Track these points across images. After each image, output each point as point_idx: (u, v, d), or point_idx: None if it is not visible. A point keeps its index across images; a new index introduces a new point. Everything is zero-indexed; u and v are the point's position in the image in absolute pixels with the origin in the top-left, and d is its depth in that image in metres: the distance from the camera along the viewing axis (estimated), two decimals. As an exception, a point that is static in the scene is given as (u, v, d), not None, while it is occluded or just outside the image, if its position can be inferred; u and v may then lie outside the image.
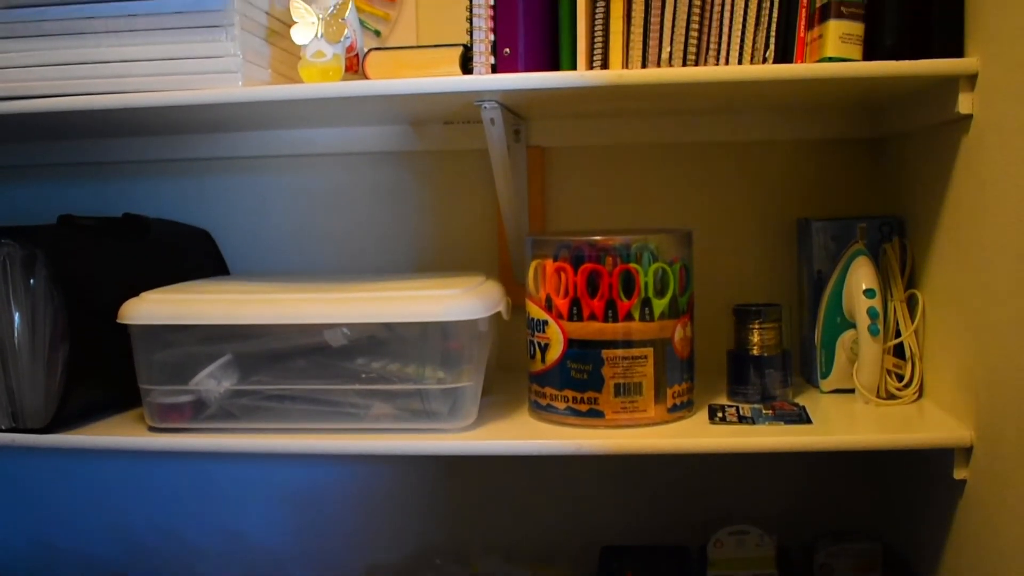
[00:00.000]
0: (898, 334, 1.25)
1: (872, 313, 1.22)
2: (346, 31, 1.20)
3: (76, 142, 1.59)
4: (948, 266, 1.17)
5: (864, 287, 1.23)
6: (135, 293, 1.21)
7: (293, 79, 1.31)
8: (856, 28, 1.10)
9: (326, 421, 1.19)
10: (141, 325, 1.18)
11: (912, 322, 1.24)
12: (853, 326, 1.25)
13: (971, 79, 1.07)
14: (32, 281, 1.20)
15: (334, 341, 1.18)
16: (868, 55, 1.11)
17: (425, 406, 1.17)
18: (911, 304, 1.26)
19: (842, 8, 1.09)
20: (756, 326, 1.25)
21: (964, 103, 1.08)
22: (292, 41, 1.20)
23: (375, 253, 1.56)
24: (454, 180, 1.53)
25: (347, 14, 1.20)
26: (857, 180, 1.45)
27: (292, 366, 1.19)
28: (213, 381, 1.19)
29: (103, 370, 1.25)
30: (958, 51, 1.09)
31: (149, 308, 1.19)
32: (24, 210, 1.63)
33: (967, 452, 1.10)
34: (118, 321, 1.18)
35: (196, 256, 1.52)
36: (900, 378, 1.25)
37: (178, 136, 1.57)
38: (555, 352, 1.17)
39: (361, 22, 1.44)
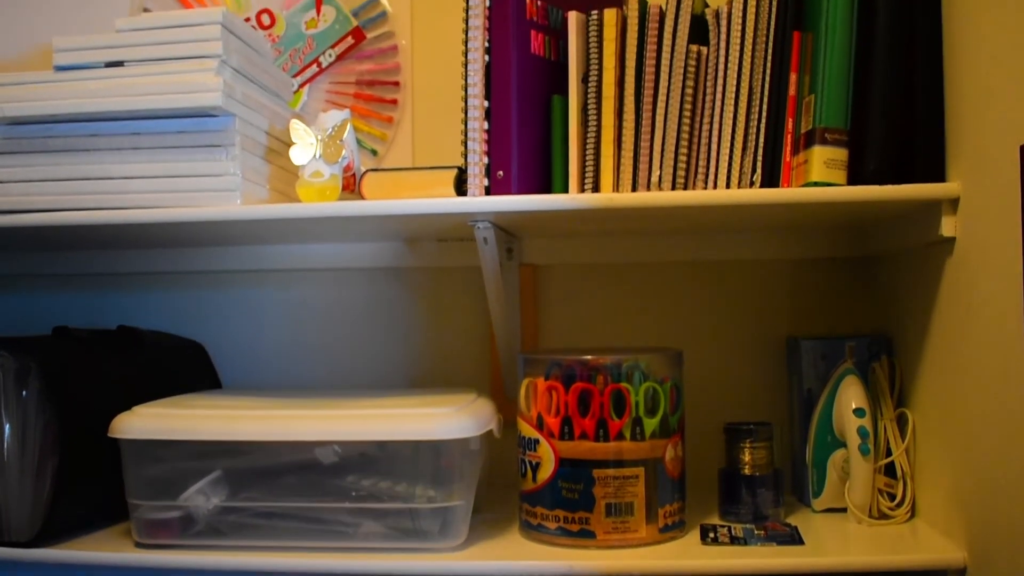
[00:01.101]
0: (889, 453, 1.25)
1: (862, 432, 1.22)
2: (344, 152, 1.22)
3: (72, 253, 1.61)
4: (937, 385, 1.17)
5: (854, 406, 1.24)
6: (127, 406, 1.21)
7: (291, 196, 1.33)
8: (840, 154, 1.12)
9: (315, 539, 1.18)
10: (132, 440, 1.18)
11: (903, 441, 1.25)
12: (844, 445, 1.26)
13: (953, 203, 1.10)
14: (24, 393, 1.20)
15: (325, 458, 1.17)
16: (852, 179, 1.13)
17: (415, 525, 1.16)
18: (901, 423, 1.26)
19: (826, 135, 1.12)
20: (747, 445, 1.25)
21: (947, 226, 1.10)
22: (290, 159, 1.23)
23: (368, 367, 1.56)
24: (447, 296, 1.54)
25: (345, 135, 1.23)
26: (845, 298, 1.47)
27: (282, 483, 1.18)
28: (202, 497, 1.18)
29: (92, 484, 1.24)
30: (940, 175, 1.12)
31: (140, 423, 1.18)
32: (19, 320, 1.63)
33: (961, 573, 1.09)
34: (109, 435, 1.18)
35: (189, 369, 1.52)
36: (892, 497, 1.25)
37: (174, 249, 1.59)
38: (546, 471, 1.17)
39: (359, 142, 1.48)
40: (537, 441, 1.18)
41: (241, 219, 1.20)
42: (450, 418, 1.15)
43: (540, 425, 1.18)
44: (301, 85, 1.55)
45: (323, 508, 1.17)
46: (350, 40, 1.54)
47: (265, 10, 1.56)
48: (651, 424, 1.16)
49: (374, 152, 1.54)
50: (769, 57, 1.16)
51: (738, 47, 1.16)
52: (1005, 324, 0.98)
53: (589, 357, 1.17)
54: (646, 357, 1.18)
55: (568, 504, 1.16)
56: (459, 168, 1.23)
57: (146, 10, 1.59)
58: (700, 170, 1.18)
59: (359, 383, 1.56)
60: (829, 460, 1.28)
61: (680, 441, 1.20)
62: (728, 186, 1.17)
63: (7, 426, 1.19)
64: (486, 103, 1.20)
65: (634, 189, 1.18)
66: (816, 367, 1.34)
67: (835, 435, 1.27)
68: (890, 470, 1.25)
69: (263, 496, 1.18)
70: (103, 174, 1.24)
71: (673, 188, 1.17)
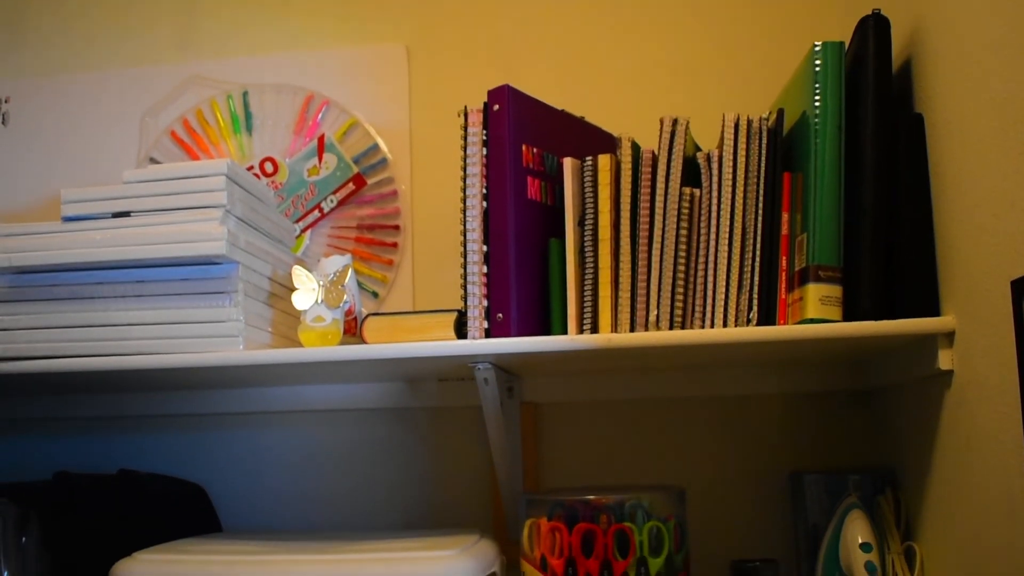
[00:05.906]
0: (898, 590, 1.23)
1: (870, 568, 1.21)
2: (345, 296, 1.24)
3: (74, 396, 1.62)
4: (943, 518, 1.16)
5: (860, 541, 1.23)
6: (127, 551, 1.20)
7: (293, 339, 1.34)
8: (835, 290, 1.14)
9: None
10: (132, 588, 1.17)
11: (912, 575, 1.23)
12: (852, 581, 1.24)
13: (949, 336, 1.10)
14: (24, 539, 1.19)
15: (326, 605, 1.15)
16: (848, 314, 1.14)
17: (418, 673, 1.14)
18: (909, 556, 1.24)
19: (820, 272, 1.14)
20: (754, 584, 1.24)
21: (944, 359, 1.11)
22: (293, 304, 1.24)
23: (370, 508, 1.55)
24: (448, 436, 1.54)
25: (347, 280, 1.25)
26: (848, 431, 1.47)
27: (283, 632, 1.16)
28: (202, 648, 1.16)
29: (89, 634, 1.22)
30: (935, 309, 1.13)
31: (140, 569, 1.17)
32: (20, 464, 1.63)
33: None
34: (108, 584, 1.17)
35: (189, 512, 1.51)
36: (904, 636, 1.22)
37: (176, 392, 1.59)
38: (551, 616, 1.16)
39: (360, 284, 1.50)
40: (541, 584, 1.17)
41: (244, 364, 1.21)
42: (452, 561, 1.14)
43: (544, 567, 1.17)
44: (303, 230, 1.58)
45: (324, 658, 1.15)
46: (351, 186, 1.58)
47: (268, 158, 1.60)
48: (656, 564, 1.15)
49: (375, 294, 1.56)
50: (761, 198, 1.19)
51: (730, 188, 1.19)
52: (1006, 458, 0.97)
53: (592, 497, 1.16)
54: (649, 496, 1.17)
55: (574, 650, 1.14)
56: (459, 311, 1.24)
57: (152, 160, 1.64)
58: (697, 309, 1.19)
59: (360, 524, 1.54)
60: (838, 597, 1.26)
61: (686, 581, 1.19)
62: (725, 324, 1.18)
63: (5, 573, 1.18)
64: (485, 247, 1.23)
65: (632, 329, 1.19)
66: (820, 502, 1.33)
67: (843, 570, 1.26)
68: (900, 607, 1.23)
69: (263, 646, 1.16)
70: (107, 321, 1.25)
71: (671, 327, 1.18)
